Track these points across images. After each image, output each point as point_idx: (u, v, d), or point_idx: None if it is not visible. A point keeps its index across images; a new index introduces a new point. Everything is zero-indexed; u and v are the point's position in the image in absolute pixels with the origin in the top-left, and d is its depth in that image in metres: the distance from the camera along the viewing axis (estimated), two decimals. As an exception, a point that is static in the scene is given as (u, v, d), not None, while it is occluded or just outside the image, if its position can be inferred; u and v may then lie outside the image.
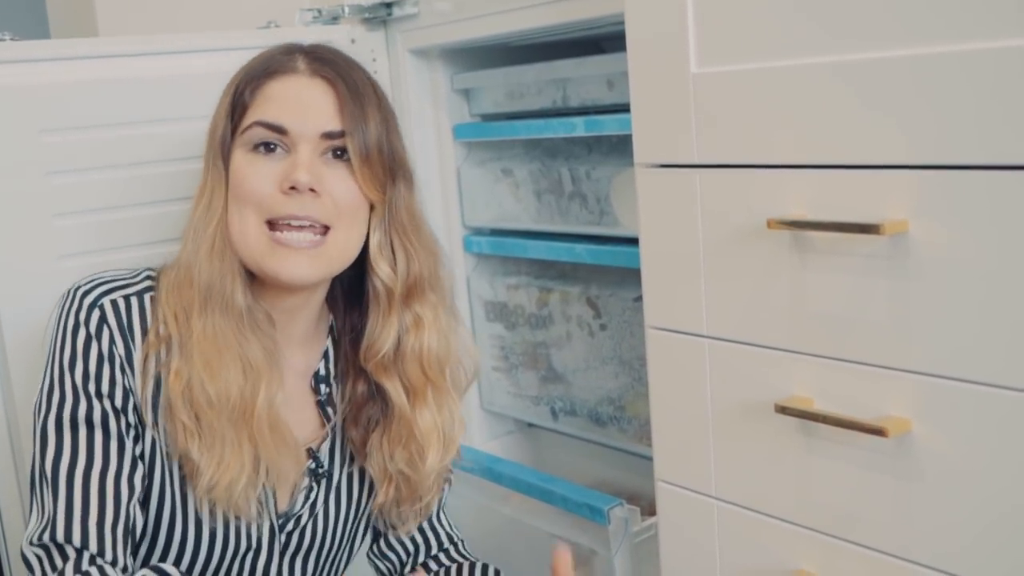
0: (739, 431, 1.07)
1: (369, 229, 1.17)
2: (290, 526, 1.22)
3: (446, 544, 1.38)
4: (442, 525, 1.37)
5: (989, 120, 0.81)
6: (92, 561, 1.04)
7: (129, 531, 1.08)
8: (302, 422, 1.22)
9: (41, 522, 1.05)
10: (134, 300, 1.12)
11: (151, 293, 1.13)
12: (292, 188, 1.09)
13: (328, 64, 1.15)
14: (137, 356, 1.10)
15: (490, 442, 1.91)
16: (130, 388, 1.10)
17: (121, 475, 1.08)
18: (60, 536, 1.04)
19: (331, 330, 1.28)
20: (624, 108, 1.13)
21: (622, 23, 1.10)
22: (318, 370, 1.25)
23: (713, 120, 1.02)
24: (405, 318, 1.20)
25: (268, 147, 1.12)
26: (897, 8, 0.86)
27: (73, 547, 1.04)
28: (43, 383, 1.10)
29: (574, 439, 1.79)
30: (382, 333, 1.19)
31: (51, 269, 1.39)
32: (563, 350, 1.70)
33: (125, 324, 1.10)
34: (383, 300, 1.19)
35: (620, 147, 1.53)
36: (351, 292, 1.26)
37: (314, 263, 1.12)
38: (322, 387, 1.25)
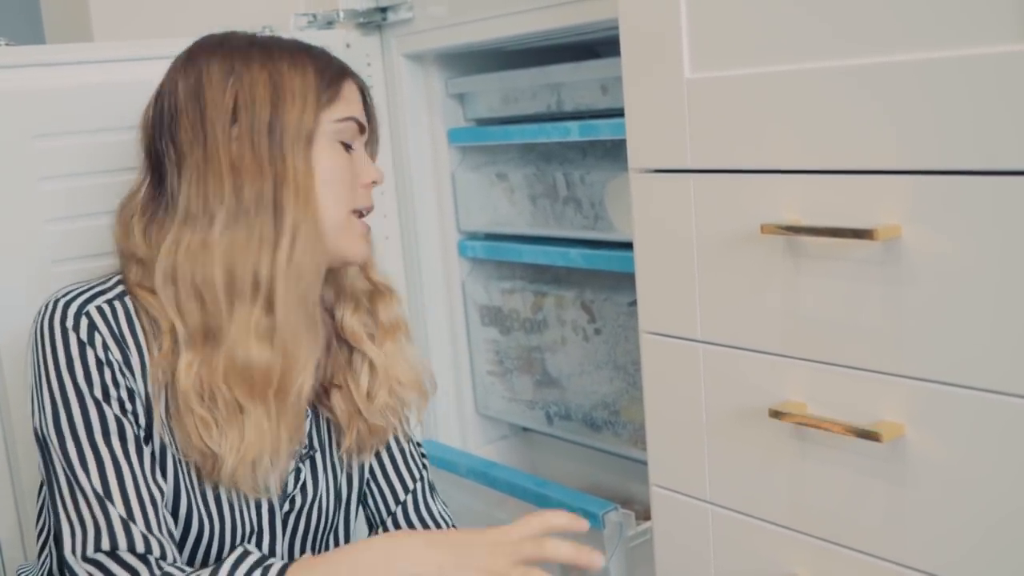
0: (733, 436, 1.07)
1: None
2: (286, 507, 1.23)
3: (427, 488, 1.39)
4: (432, 514, 1.38)
5: (982, 125, 0.81)
6: (159, 565, 1.04)
7: (169, 528, 1.09)
8: None
9: (86, 534, 1.04)
10: (117, 304, 1.11)
11: (128, 296, 1.13)
12: (373, 183, 1.22)
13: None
14: (134, 359, 1.10)
15: (485, 447, 1.91)
16: (133, 390, 1.10)
17: (147, 476, 1.08)
18: (121, 544, 1.04)
19: None
20: (618, 113, 1.14)
21: (616, 28, 1.10)
22: None
23: (707, 125, 1.03)
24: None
25: (347, 145, 1.19)
26: (891, 13, 0.87)
27: (134, 554, 1.04)
28: (42, 397, 1.08)
29: (569, 443, 1.79)
30: (347, 311, 1.28)
31: (43, 274, 1.39)
32: (558, 354, 1.70)
33: (115, 329, 1.10)
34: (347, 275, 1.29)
35: (614, 152, 1.53)
36: None
37: (370, 244, 1.25)
38: None
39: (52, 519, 1.08)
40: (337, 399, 1.26)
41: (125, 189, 1.43)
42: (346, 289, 1.27)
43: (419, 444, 1.38)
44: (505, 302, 1.77)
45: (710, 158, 1.03)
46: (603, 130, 1.47)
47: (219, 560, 1.06)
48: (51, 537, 1.21)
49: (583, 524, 1.10)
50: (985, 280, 0.83)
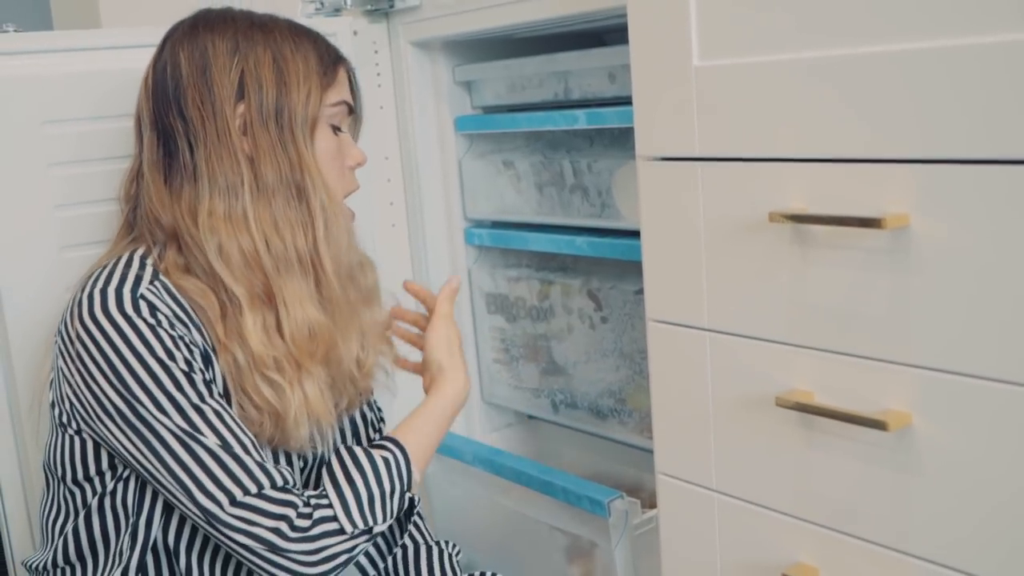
0: (740, 424, 1.07)
1: None
2: (300, 463, 1.28)
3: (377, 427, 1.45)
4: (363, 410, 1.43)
5: (992, 114, 0.81)
6: (300, 495, 1.12)
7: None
8: None
9: (222, 485, 1.09)
10: (159, 285, 1.13)
11: (161, 277, 1.14)
12: (359, 165, 1.28)
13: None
14: (195, 333, 1.13)
15: (491, 434, 1.91)
16: (205, 354, 1.14)
17: (244, 426, 1.13)
18: (265, 483, 1.10)
19: None
20: (626, 101, 1.14)
21: (624, 16, 1.10)
22: None
23: (715, 113, 1.03)
24: None
25: (336, 128, 1.24)
26: (898, 3, 0.86)
27: (276, 489, 1.11)
28: (123, 382, 1.09)
29: (575, 431, 1.79)
30: None
31: (53, 260, 1.39)
32: (564, 343, 1.71)
33: (171, 308, 1.12)
34: None
35: (621, 140, 1.53)
36: None
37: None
38: None
39: (176, 495, 1.10)
40: None
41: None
42: None
43: (379, 409, 1.44)
44: (511, 290, 1.77)
45: (718, 146, 1.03)
46: (610, 118, 1.47)
47: (339, 467, 1.17)
48: (71, 520, 1.21)
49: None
50: (993, 270, 0.83)
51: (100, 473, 1.16)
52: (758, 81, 0.98)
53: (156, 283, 1.13)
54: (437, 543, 1.42)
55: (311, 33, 1.25)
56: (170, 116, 1.18)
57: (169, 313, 1.11)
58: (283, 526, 1.09)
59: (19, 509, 1.44)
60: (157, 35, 1.24)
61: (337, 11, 1.69)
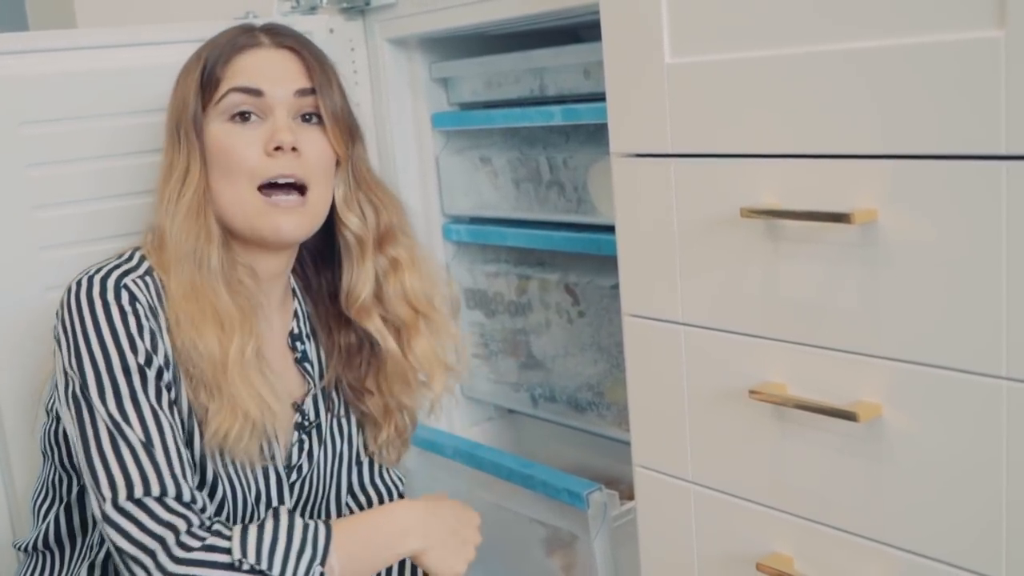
0: (715, 417, 1.08)
1: (333, 186, 1.25)
2: (293, 476, 1.27)
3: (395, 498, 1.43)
4: (386, 482, 1.42)
5: (956, 111, 0.83)
6: (207, 516, 1.10)
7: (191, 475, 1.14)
8: (286, 380, 1.27)
9: (131, 481, 1.07)
10: (148, 279, 1.15)
11: (154, 273, 1.16)
12: (277, 148, 1.18)
13: (289, 36, 1.26)
14: (167, 332, 1.14)
15: (470, 428, 1.92)
16: (168, 359, 1.13)
17: (181, 438, 1.12)
18: (169, 491, 1.08)
19: (294, 292, 1.34)
20: (601, 97, 1.14)
21: (598, 12, 1.10)
22: (292, 329, 1.32)
23: (687, 110, 1.04)
24: (380, 263, 1.29)
25: (244, 116, 1.20)
26: (864, 1, 0.88)
27: (180, 502, 1.09)
28: (81, 362, 1.10)
29: (554, 425, 1.80)
30: (359, 281, 1.28)
31: (32, 261, 1.39)
32: (542, 337, 1.72)
33: (152, 302, 1.13)
34: (355, 250, 1.28)
35: (597, 136, 1.54)
36: (320, 251, 1.34)
37: (302, 220, 1.21)
38: (298, 344, 1.31)
39: (87, 477, 1.10)
40: (372, 402, 1.33)
41: (112, 175, 1.44)
42: (387, 309, 1.30)
43: (396, 482, 1.43)
44: (490, 285, 1.78)
45: (690, 142, 1.04)
46: (586, 114, 1.48)
47: (259, 519, 1.13)
48: (56, 506, 1.23)
49: None
50: (960, 262, 0.85)
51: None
52: (729, 78, 0.99)
53: (147, 278, 1.15)
54: None
55: (225, 33, 1.25)
56: None
57: (145, 305, 1.12)
58: (169, 537, 1.06)
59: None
60: (132, 35, 1.24)
61: (313, 9, 1.70)
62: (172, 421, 1.12)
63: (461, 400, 1.91)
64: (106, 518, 1.07)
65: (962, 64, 0.82)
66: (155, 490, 1.08)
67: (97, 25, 2.09)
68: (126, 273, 1.14)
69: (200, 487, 1.16)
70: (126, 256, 1.18)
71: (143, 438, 1.09)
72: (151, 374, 1.11)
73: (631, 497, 1.25)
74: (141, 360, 1.10)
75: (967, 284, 0.85)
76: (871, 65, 0.87)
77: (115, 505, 1.07)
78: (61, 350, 1.12)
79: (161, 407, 1.11)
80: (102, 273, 1.13)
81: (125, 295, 1.11)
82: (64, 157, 1.41)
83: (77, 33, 1.57)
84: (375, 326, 1.29)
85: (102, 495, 1.07)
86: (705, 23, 1.01)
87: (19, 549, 1.29)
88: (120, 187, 1.45)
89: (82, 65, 1.43)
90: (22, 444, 1.40)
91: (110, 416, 1.09)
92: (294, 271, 1.33)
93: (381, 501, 1.40)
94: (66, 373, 1.12)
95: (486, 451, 1.64)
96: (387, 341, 1.30)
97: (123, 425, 1.09)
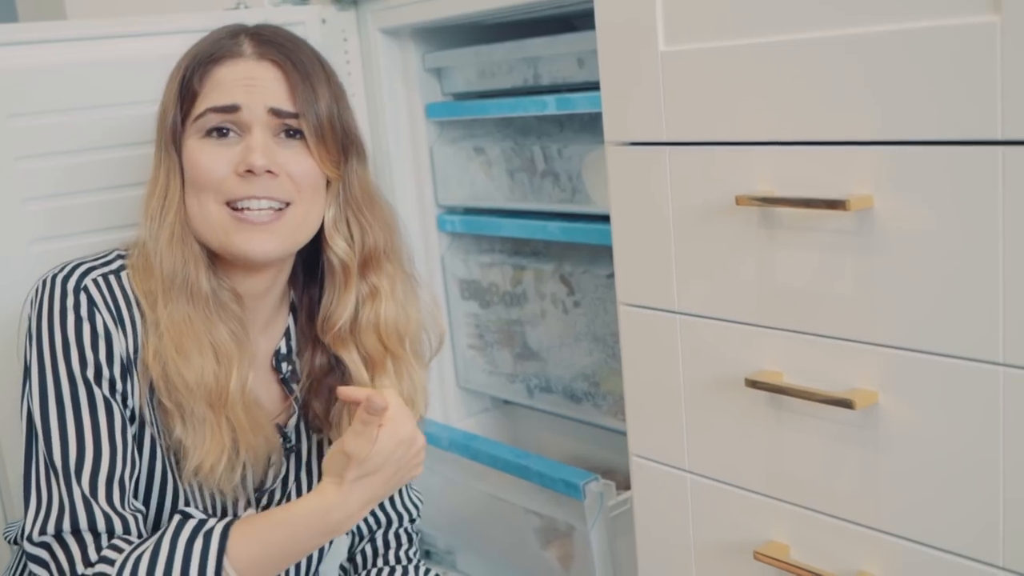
0: (710, 405, 1.08)
1: (324, 205, 1.19)
2: (264, 500, 1.23)
3: (406, 523, 1.40)
4: (405, 504, 1.40)
5: (952, 96, 0.82)
6: (110, 541, 1.05)
7: (138, 505, 1.11)
8: (268, 401, 1.24)
9: (48, 514, 1.04)
10: (112, 279, 1.12)
11: (126, 271, 1.13)
12: (248, 171, 1.11)
13: (274, 46, 1.17)
14: (129, 337, 1.11)
15: (466, 419, 1.92)
16: (126, 368, 1.10)
17: (125, 456, 1.09)
18: (82, 523, 1.04)
19: (291, 308, 1.29)
20: (595, 86, 1.14)
21: (592, 1, 1.10)
22: (279, 348, 1.26)
23: (682, 98, 1.03)
24: (361, 289, 1.22)
25: (221, 132, 1.13)
26: (861, -14, 0.87)
27: (92, 532, 1.05)
28: (31, 377, 1.08)
29: (549, 415, 1.80)
30: (338, 306, 1.21)
31: (22, 254, 1.39)
32: (537, 327, 1.71)
33: (111, 304, 1.10)
34: (339, 273, 1.21)
35: (591, 125, 1.53)
36: (307, 266, 1.28)
37: (277, 236, 1.13)
38: (283, 365, 1.26)
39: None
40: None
41: (102, 168, 1.43)
42: (359, 338, 1.23)
43: (411, 509, 1.41)
44: (484, 276, 1.78)
45: (685, 131, 1.04)
46: (580, 103, 1.48)
47: (161, 528, 1.07)
48: None
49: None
50: (955, 249, 0.85)
51: None
52: (724, 65, 0.98)
53: (113, 276, 1.12)
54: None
55: (211, 36, 1.19)
56: None
57: (104, 309, 1.09)
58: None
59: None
60: (122, 27, 1.23)
61: (305, 0, 1.69)
62: (116, 441, 1.08)
63: (456, 391, 1.91)
64: (24, 553, 1.06)
65: (958, 49, 0.81)
66: (67, 524, 1.04)
67: (87, 16, 2.07)
68: (89, 271, 1.11)
69: (161, 501, 1.14)
70: (102, 258, 1.15)
71: (71, 467, 1.05)
72: (99, 392, 1.08)
73: (627, 487, 1.25)
74: (91, 375, 1.07)
75: (963, 270, 0.84)
76: (865, 51, 0.87)
77: (30, 538, 1.04)
78: (24, 359, 1.11)
79: (107, 427, 1.07)
80: (64, 273, 1.10)
81: (84, 299, 1.08)
82: (54, 149, 1.40)
83: (67, 25, 1.56)
84: (350, 357, 1.22)
85: (24, 526, 1.05)
86: (699, 10, 1.00)
87: (10, 542, 1.28)
88: (112, 180, 1.44)
89: (72, 57, 1.42)
90: (13, 437, 1.39)
91: (48, 441, 1.06)
92: (290, 281, 1.27)
93: (390, 524, 1.39)
94: (25, 383, 1.10)
95: (482, 442, 1.64)
96: (359, 369, 1.22)
97: (56, 452, 1.05)
